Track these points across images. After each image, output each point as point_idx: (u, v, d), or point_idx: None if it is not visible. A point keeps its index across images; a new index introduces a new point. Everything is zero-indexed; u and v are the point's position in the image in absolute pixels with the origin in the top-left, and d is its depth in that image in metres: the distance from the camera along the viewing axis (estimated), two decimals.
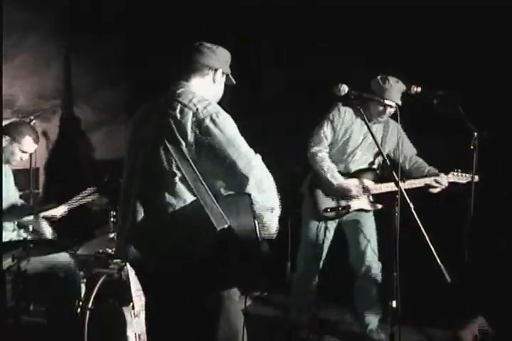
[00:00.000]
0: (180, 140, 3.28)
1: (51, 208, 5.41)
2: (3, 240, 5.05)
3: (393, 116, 5.36)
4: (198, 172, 3.28)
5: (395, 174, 4.03)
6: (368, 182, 5.36)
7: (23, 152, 5.32)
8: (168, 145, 3.29)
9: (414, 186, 5.21)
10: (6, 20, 6.36)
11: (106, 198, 5.20)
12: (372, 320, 5.60)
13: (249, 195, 3.33)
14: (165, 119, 3.34)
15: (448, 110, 4.78)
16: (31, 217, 5.35)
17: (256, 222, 3.28)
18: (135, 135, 3.61)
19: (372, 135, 4.28)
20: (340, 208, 5.18)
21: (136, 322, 4.57)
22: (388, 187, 5.22)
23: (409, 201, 3.96)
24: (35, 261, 4.93)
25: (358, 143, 5.38)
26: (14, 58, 6.83)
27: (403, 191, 3.99)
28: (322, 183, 5.31)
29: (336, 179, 5.23)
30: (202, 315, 3.39)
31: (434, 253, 3.84)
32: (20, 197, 5.65)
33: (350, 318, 6.03)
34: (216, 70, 3.63)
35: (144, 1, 7.68)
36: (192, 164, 3.28)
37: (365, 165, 5.48)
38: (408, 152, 5.56)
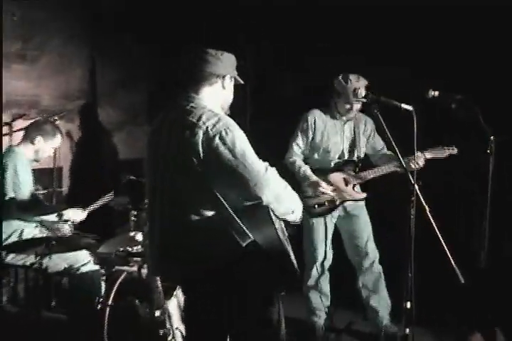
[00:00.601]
0: (193, 159, 3.24)
1: (66, 208, 5.45)
2: (27, 237, 5.09)
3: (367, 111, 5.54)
4: (214, 190, 3.26)
5: (410, 177, 3.98)
6: (350, 173, 5.45)
7: (53, 149, 5.49)
8: (183, 163, 3.27)
9: (390, 170, 5.32)
10: (29, 23, 6.48)
11: (127, 197, 5.19)
12: (386, 315, 5.59)
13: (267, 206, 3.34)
14: (178, 138, 3.31)
15: (466, 115, 4.75)
16: (54, 216, 5.38)
17: (277, 231, 3.32)
18: (151, 150, 3.58)
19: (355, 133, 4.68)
20: (326, 203, 5.30)
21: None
22: (371, 174, 5.39)
23: (424, 203, 3.92)
24: (56, 258, 4.95)
25: (336, 141, 5.49)
26: (39, 60, 6.87)
27: (419, 193, 3.95)
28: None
29: (306, 178, 5.34)
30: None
31: (449, 255, 3.80)
32: (44, 195, 5.67)
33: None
34: (224, 77, 3.55)
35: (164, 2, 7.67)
36: (207, 183, 3.27)
37: (344, 159, 5.57)
38: (377, 144, 5.68)
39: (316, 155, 5.53)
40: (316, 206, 5.29)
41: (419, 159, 5.16)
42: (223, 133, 3.25)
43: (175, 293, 4.76)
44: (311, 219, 5.44)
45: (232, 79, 3.65)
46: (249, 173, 3.25)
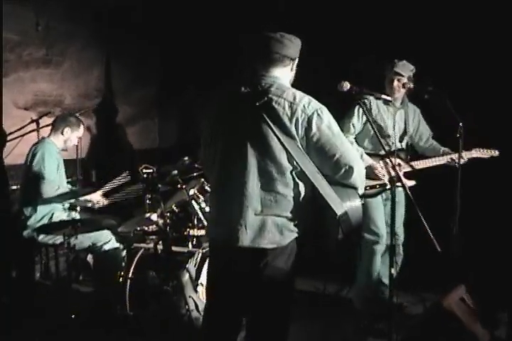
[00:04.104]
0: (295, 135, 3.11)
1: (90, 192, 5.49)
2: (56, 220, 5.11)
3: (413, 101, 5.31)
4: (314, 165, 3.17)
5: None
6: (400, 161, 5.13)
7: (78, 138, 5.55)
8: (282, 139, 3.09)
9: (440, 162, 5.14)
10: (52, 32, 6.49)
11: (142, 184, 5.17)
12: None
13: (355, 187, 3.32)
14: (273, 115, 3.12)
15: (437, 104, 4.73)
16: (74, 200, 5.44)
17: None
18: (220, 127, 3.31)
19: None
20: (377, 186, 5.03)
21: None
22: (422, 164, 5.15)
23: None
24: (82, 237, 4.96)
25: (388, 127, 5.17)
26: (61, 63, 6.92)
27: (402, 177, 3.92)
28: None
29: (365, 161, 4.96)
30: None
31: (427, 227, 3.79)
32: (68, 182, 5.69)
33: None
34: (294, 60, 3.35)
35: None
36: (308, 157, 3.15)
37: (397, 146, 5.22)
38: (424, 133, 5.41)
39: (367, 140, 5.20)
40: (368, 188, 4.98)
41: (466, 156, 5.05)
42: (319, 111, 3.15)
43: (187, 266, 4.74)
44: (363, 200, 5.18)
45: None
46: (346, 149, 3.20)
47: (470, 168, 4.97)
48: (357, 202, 3.29)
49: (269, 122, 3.11)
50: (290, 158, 3.13)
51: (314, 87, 3.73)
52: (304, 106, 3.14)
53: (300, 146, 3.14)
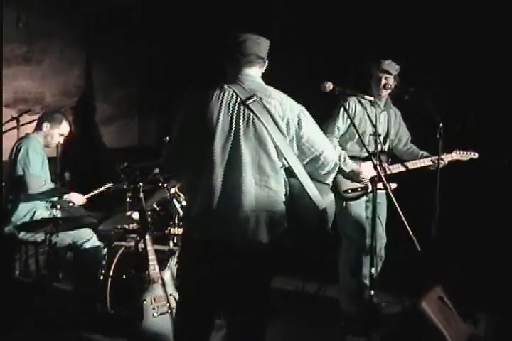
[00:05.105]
0: (285, 133, 3.19)
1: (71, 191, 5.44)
2: (38, 218, 5.06)
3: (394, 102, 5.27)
4: (299, 161, 3.26)
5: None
6: (384, 164, 5.05)
7: (61, 135, 5.43)
8: (274, 137, 3.15)
9: (420, 165, 5.13)
10: (33, 29, 6.44)
11: (123, 182, 5.14)
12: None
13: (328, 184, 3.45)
14: (266, 114, 3.17)
15: (418, 104, 4.74)
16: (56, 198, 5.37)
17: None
18: (205, 123, 3.24)
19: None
20: (359, 189, 4.96)
21: (152, 288, 4.52)
22: (402, 167, 5.12)
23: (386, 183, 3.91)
24: (63, 235, 4.91)
25: (372, 129, 4.99)
26: (42, 61, 6.88)
27: (382, 177, 3.91)
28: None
29: (349, 166, 4.95)
30: None
31: (407, 226, 3.79)
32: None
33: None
34: (265, 61, 3.40)
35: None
36: (295, 154, 3.24)
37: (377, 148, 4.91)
38: (404, 136, 5.37)
39: (350, 142, 5.10)
40: (350, 191, 4.96)
41: (447, 159, 5.06)
42: (304, 111, 3.27)
43: (169, 264, 4.71)
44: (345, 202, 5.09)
45: None
46: (329, 144, 3.37)
47: (448, 168, 4.99)
48: (331, 197, 3.41)
49: (262, 120, 3.15)
50: (280, 156, 3.19)
51: (314, 87, 3.75)
52: (290, 105, 3.25)
53: (289, 144, 3.21)
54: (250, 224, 3.18)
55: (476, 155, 5.18)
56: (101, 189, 5.48)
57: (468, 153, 5.17)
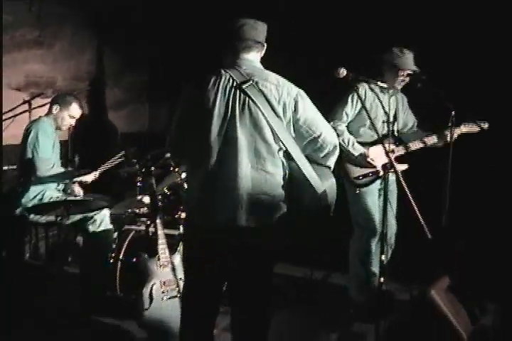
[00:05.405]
0: (282, 117, 3.19)
1: (85, 174, 5.43)
2: (47, 199, 5.06)
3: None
4: (297, 144, 3.26)
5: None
6: (392, 146, 4.99)
7: (72, 117, 5.42)
8: (269, 121, 3.15)
9: (432, 141, 5.08)
10: (45, 14, 6.44)
11: (133, 166, 5.14)
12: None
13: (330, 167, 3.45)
14: (261, 97, 3.18)
15: (430, 92, 4.71)
16: (67, 181, 5.40)
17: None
18: (205, 110, 3.24)
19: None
20: (370, 174, 4.95)
21: (161, 272, 4.53)
22: (414, 145, 5.07)
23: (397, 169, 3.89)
24: (74, 218, 4.92)
25: (383, 114, 4.94)
26: (53, 45, 6.86)
27: (393, 163, 3.89)
28: (346, 154, 4.99)
29: (357, 150, 4.93)
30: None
31: (418, 214, 3.78)
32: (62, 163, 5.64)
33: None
34: (264, 45, 3.41)
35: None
36: (293, 138, 3.24)
37: (386, 131, 4.96)
38: (410, 121, 5.34)
39: (362, 128, 5.06)
40: (361, 177, 4.96)
41: (456, 133, 4.92)
42: (301, 93, 3.27)
43: (179, 248, 4.71)
44: (358, 190, 5.06)
45: None
46: (327, 126, 3.36)
47: (460, 156, 4.95)
48: (333, 180, 3.42)
49: (258, 104, 3.16)
50: (276, 139, 3.19)
51: (314, 87, 3.74)
52: (287, 89, 3.24)
53: (286, 128, 3.22)
54: (248, 208, 3.19)
55: (486, 124, 5.01)
56: (111, 161, 5.48)
57: (477, 123, 5.00)
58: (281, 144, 3.21)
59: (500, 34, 5.66)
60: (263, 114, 3.15)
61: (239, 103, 3.19)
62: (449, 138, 4.87)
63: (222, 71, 3.28)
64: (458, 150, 4.70)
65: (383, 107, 4.67)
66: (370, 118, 4.10)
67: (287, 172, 3.31)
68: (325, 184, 3.31)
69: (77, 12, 7.08)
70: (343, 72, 3.99)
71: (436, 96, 4.66)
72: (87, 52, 7.38)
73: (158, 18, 7.73)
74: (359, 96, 4.82)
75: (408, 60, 4.93)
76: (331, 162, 3.43)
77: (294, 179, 3.31)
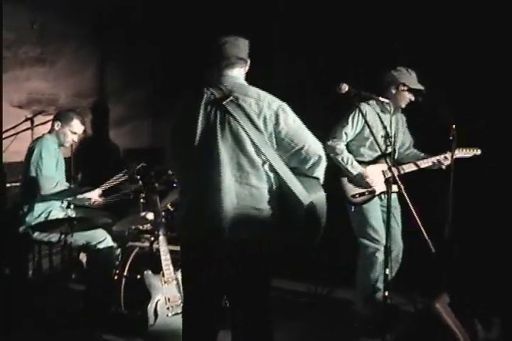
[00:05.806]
0: (263, 130, 3.20)
1: (89, 190, 5.42)
2: (53, 218, 5.06)
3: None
4: (282, 159, 3.27)
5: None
6: (388, 166, 5.00)
7: (74, 133, 5.41)
8: (250, 135, 3.17)
9: (426, 165, 5.10)
10: (48, 31, 6.46)
11: (136, 182, 5.15)
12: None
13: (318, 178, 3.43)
14: (241, 112, 3.20)
15: (430, 105, 4.72)
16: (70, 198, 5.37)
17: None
18: (189, 129, 3.30)
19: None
20: (366, 193, 4.97)
21: (166, 288, 4.53)
22: (408, 168, 5.06)
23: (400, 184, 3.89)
24: (77, 236, 4.92)
25: (383, 134, 4.65)
26: (56, 63, 6.87)
27: (397, 179, 3.89)
28: (344, 173, 5.02)
29: (355, 169, 4.95)
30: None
31: (422, 228, 3.78)
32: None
33: None
34: (247, 61, 3.45)
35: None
36: (275, 151, 3.25)
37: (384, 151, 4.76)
38: (407, 141, 5.34)
39: (361, 148, 5.08)
40: (357, 195, 4.98)
41: (450, 157, 4.90)
42: (284, 106, 3.26)
43: None
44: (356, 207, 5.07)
45: None
46: (311, 138, 3.33)
47: (461, 170, 4.95)
48: (321, 193, 3.41)
49: (238, 119, 3.19)
50: (259, 152, 3.21)
51: (314, 87, 3.74)
52: (268, 102, 3.24)
53: (268, 141, 3.23)
54: (233, 221, 3.21)
55: (479, 151, 5.11)
56: (113, 179, 5.47)
57: (471, 150, 5.11)
58: (263, 157, 3.22)
59: (500, 34, 5.66)
60: (243, 128, 3.18)
61: (220, 119, 3.23)
62: (446, 162, 4.97)
63: (205, 89, 3.33)
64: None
65: (384, 127, 4.68)
66: (373, 135, 4.12)
67: (274, 184, 3.31)
68: (312, 196, 3.31)
69: (79, 29, 7.09)
70: (344, 87, 4.01)
71: (439, 110, 4.67)
72: (89, 69, 7.39)
73: (158, 18, 7.72)
74: (362, 115, 4.81)
75: (413, 79, 4.94)
76: (319, 173, 3.42)
77: (282, 191, 3.32)
